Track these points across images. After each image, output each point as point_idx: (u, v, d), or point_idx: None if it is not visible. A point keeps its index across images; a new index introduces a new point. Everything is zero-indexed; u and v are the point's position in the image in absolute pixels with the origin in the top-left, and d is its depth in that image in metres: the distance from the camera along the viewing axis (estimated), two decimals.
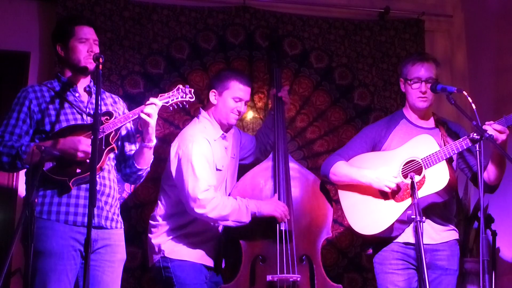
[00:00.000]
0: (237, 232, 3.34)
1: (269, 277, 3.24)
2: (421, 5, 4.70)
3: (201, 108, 3.54)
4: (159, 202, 3.43)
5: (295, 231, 3.35)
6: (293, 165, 3.55)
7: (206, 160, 3.26)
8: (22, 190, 3.89)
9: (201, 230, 3.32)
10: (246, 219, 3.24)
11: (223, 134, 3.44)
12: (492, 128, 2.96)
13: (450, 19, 4.80)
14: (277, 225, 3.31)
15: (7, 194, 3.94)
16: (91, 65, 2.92)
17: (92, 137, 2.65)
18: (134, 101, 3.86)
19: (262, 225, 3.31)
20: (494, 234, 3.49)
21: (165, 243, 3.29)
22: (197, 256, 3.31)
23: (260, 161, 3.62)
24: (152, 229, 3.37)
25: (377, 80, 4.51)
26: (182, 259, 3.28)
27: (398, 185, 3.12)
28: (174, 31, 4.24)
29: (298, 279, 3.26)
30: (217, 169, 3.34)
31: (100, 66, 2.77)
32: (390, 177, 3.12)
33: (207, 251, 3.35)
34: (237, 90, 3.41)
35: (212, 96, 3.42)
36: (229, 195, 3.40)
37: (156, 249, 3.31)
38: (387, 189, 3.13)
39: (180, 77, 4.18)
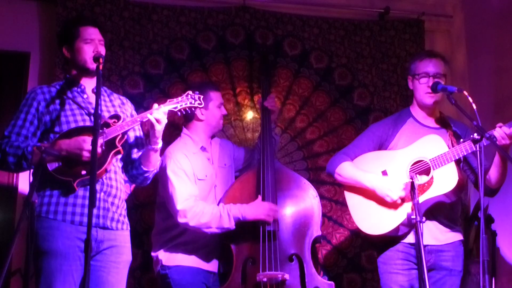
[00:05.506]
0: (227, 237, 3.36)
1: (258, 278, 3.25)
2: (421, 5, 4.70)
3: (183, 127, 3.60)
4: (155, 217, 3.53)
5: (282, 231, 3.36)
6: (279, 168, 3.56)
7: (184, 172, 3.36)
8: (22, 189, 3.89)
9: (194, 238, 3.37)
10: (229, 225, 3.28)
11: (202, 146, 3.52)
12: (502, 131, 2.93)
13: (450, 19, 4.79)
14: (261, 226, 3.32)
15: (7, 194, 3.94)
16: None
17: (99, 138, 2.68)
18: (134, 101, 3.84)
19: (250, 228, 3.33)
20: (494, 234, 3.48)
21: (162, 253, 3.38)
22: (193, 261, 3.37)
23: None
24: (152, 244, 3.48)
25: (377, 81, 4.51)
26: (178, 264, 3.35)
27: (401, 198, 3.08)
28: (174, 31, 4.24)
29: (286, 276, 3.27)
30: (199, 179, 3.42)
31: (101, 67, 2.77)
32: (396, 188, 3.07)
33: (204, 256, 3.39)
34: (218, 97, 3.58)
35: (198, 112, 3.46)
36: (219, 202, 3.43)
37: (156, 260, 3.41)
38: (388, 200, 3.09)
39: (180, 78, 4.18)
